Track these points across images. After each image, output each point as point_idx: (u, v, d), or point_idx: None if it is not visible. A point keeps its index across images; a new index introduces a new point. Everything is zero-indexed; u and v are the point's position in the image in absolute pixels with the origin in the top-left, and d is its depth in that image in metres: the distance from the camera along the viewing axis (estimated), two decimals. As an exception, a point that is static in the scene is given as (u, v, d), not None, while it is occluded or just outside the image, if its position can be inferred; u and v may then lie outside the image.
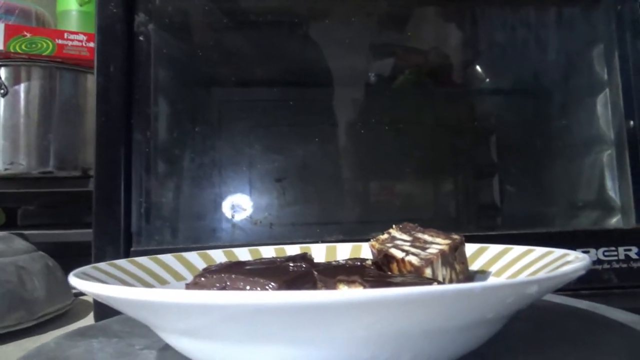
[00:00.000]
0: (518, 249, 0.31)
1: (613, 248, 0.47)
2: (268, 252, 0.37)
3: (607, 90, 0.52)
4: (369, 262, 0.32)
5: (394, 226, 0.35)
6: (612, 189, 0.52)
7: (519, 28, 0.60)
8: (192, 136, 0.49)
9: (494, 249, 0.33)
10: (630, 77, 0.50)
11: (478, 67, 0.67)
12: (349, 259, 0.33)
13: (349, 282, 0.24)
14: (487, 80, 0.66)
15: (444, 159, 0.65)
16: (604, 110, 0.53)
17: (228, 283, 0.23)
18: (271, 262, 0.28)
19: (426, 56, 0.68)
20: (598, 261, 0.47)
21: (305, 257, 0.31)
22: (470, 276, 0.31)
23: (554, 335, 0.27)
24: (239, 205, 0.51)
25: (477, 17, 0.63)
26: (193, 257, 0.34)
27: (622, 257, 0.47)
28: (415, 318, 0.18)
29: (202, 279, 0.24)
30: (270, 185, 0.54)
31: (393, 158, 0.64)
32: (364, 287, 0.23)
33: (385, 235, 0.34)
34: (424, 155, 0.65)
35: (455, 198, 0.66)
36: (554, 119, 0.59)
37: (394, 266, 0.32)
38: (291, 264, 0.26)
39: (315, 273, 0.25)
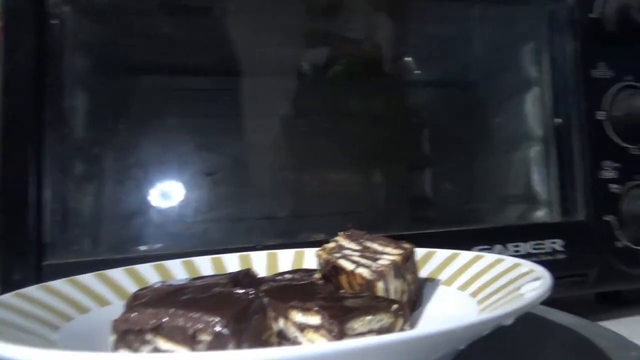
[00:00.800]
0: (466, 255, 0.31)
1: (541, 241, 0.48)
2: (204, 264, 0.35)
3: (537, 88, 0.54)
4: (317, 276, 0.30)
5: (340, 233, 0.34)
6: (539, 184, 0.54)
7: (452, 22, 0.60)
8: (115, 132, 0.44)
9: (441, 254, 0.32)
10: (559, 76, 0.51)
11: (411, 60, 0.66)
12: (295, 272, 0.31)
13: (304, 310, 0.22)
14: (420, 73, 0.65)
15: (378, 151, 0.64)
16: (533, 107, 0.54)
17: (165, 319, 0.21)
18: (212, 285, 0.25)
19: (359, 46, 0.67)
20: (528, 255, 0.48)
21: (248, 274, 0.28)
22: (420, 285, 0.30)
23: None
24: (168, 207, 0.47)
25: (410, 9, 0.62)
26: (118, 274, 0.31)
27: (549, 249, 0.48)
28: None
29: (133, 314, 0.21)
30: (202, 183, 0.51)
31: (329, 150, 0.63)
32: (322, 316, 0.21)
33: (333, 244, 0.33)
34: (359, 148, 0.64)
35: (390, 191, 0.66)
36: (486, 115, 0.60)
37: (343, 278, 0.30)
38: (237, 291, 0.23)
39: (265, 299, 0.23)
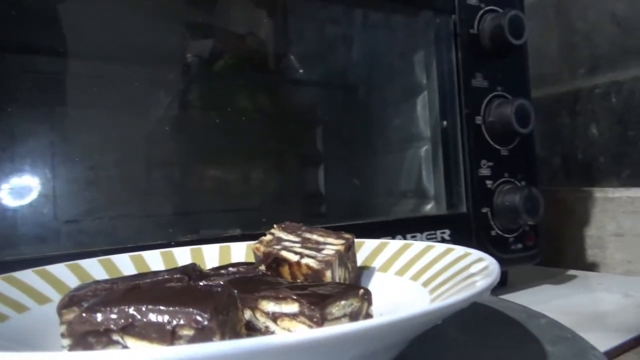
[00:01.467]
0: (418, 245, 0.31)
1: (433, 232, 0.53)
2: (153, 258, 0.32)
3: (426, 92, 0.59)
4: (263, 268, 0.30)
5: (275, 226, 0.34)
6: (428, 180, 0.59)
7: (345, 27, 0.63)
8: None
9: (394, 245, 0.32)
10: (445, 83, 0.57)
11: (295, 59, 0.68)
12: (237, 266, 0.30)
13: (278, 299, 0.22)
14: (305, 72, 0.67)
15: (270, 148, 0.64)
16: (423, 110, 0.59)
17: (138, 317, 0.19)
18: (164, 280, 0.24)
19: (244, 41, 0.67)
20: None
21: (196, 269, 0.27)
22: (358, 273, 0.32)
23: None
24: (46, 204, 0.43)
25: (291, 8, 0.64)
26: (61, 270, 0.27)
27: (439, 238, 0.54)
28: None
29: (95, 314, 0.19)
30: (81, 177, 0.47)
31: (220, 146, 0.62)
32: (300, 303, 0.21)
33: (269, 237, 0.33)
34: (251, 144, 0.63)
35: (283, 187, 0.67)
36: (379, 116, 0.64)
37: (285, 270, 0.30)
38: (202, 284, 0.22)
39: (234, 291, 0.22)
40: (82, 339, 0.19)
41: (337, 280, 0.29)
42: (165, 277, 0.24)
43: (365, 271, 0.32)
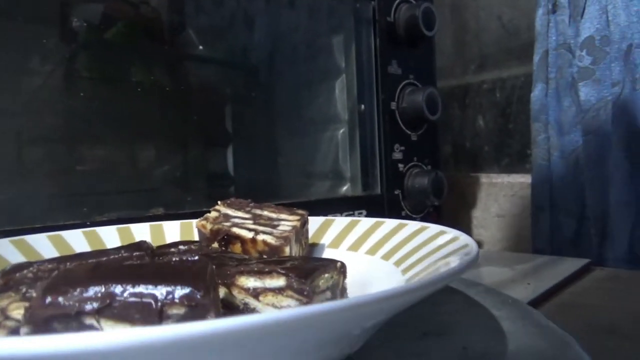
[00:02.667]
0: (390, 223, 0.30)
1: (351, 212, 0.54)
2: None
3: (344, 76, 0.60)
4: (215, 246, 0.28)
5: (219, 202, 0.32)
6: (344, 162, 0.60)
7: (251, 4, 0.62)
8: None
9: (365, 222, 0.32)
10: (363, 68, 0.58)
11: (193, 34, 0.65)
12: (181, 244, 0.28)
13: (260, 274, 0.21)
14: (217, 49, 0.65)
15: (173, 126, 0.61)
16: (341, 93, 0.60)
17: (117, 297, 0.17)
18: (123, 258, 0.21)
19: (138, 10, 0.63)
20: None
21: (148, 246, 0.25)
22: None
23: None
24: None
25: None
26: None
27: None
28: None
29: (61, 296, 0.16)
30: None
31: (115, 120, 0.57)
32: (287, 277, 0.20)
33: (214, 214, 0.31)
34: (151, 121, 0.59)
35: (187, 168, 0.64)
36: (295, 97, 0.63)
37: (236, 247, 0.29)
38: (174, 259, 0.20)
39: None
40: (44, 325, 0.16)
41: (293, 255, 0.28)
42: (123, 254, 0.22)
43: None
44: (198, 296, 0.17)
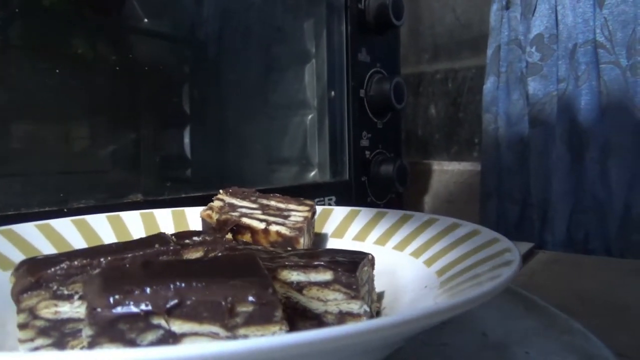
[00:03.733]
0: (419, 217, 0.29)
1: (322, 198, 0.55)
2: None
3: (315, 61, 0.60)
4: (229, 237, 0.28)
5: (221, 191, 0.31)
6: (312, 148, 0.60)
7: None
8: None
9: (393, 214, 0.31)
10: (334, 54, 0.59)
11: (138, 6, 0.62)
12: (197, 235, 0.27)
13: (305, 268, 0.21)
14: (164, 24, 0.62)
15: (121, 104, 0.57)
16: (311, 79, 0.60)
17: (187, 294, 0.16)
18: (157, 252, 0.20)
19: None
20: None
21: (169, 239, 0.24)
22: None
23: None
24: None
25: None
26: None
27: (327, 205, 0.56)
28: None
29: (128, 296, 0.16)
30: None
31: (54, 95, 0.53)
32: (334, 271, 0.20)
33: (219, 203, 0.30)
34: (95, 98, 0.56)
35: (135, 148, 0.60)
36: (261, 79, 0.62)
37: (246, 237, 0.29)
38: (219, 254, 0.20)
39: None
40: (110, 327, 0.16)
41: (303, 246, 0.28)
42: (158, 248, 0.21)
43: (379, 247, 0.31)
44: (268, 294, 0.17)
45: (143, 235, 0.30)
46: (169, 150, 0.64)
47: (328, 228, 0.33)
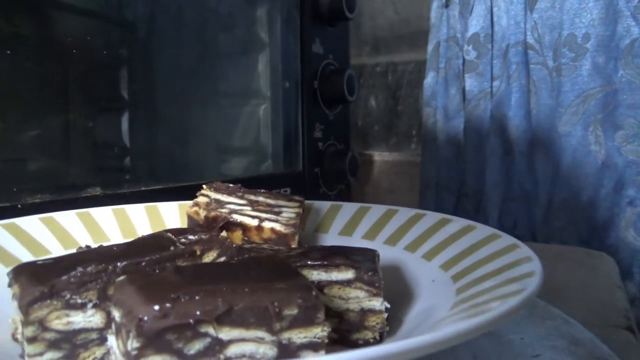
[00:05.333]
0: (432, 216, 0.29)
1: (278, 190, 0.55)
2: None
3: (268, 50, 0.59)
4: (224, 234, 0.27)
5: (205, 186, 0.30)
6: (266, 138, 0.60)
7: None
8: None
9: (404, 212, 0.30)
10: (288, 44, 0.58)
11: None
12: (189, 233, 0.26)
13: (326, 267, 0.21)
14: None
15: (47, 86, 0.53)
16: (265, 68, 0.59)
17: (235, 301, 0.16)
18: (178, 254, 0.19)
19: None
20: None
21: (172, 238, 0.23)
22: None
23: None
24: None
25: None
26: None
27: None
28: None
29: (178, 304, 0.15)
30: None
31: None
32: (357, 269, 0.21)
33: (204, 199, 0.29)
34: (14, 77, 0.51)
35: (64, 135, 0.56)
36: (211, 67, 0.60)
37: (236, 235, 0.28)
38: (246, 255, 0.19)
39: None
40: (158, 338, 0.15)
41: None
42: (175, 249, 0.20)
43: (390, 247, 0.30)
44: (312, 296, 0.17)
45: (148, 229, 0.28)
46: (103, 137, 0.60)
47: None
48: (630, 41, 0.66)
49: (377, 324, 0.21)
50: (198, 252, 0.20)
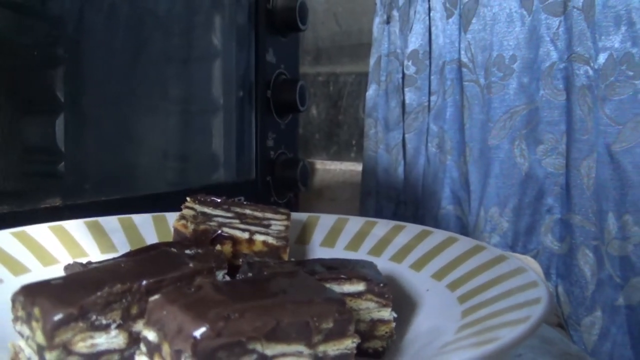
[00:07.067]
0: (439, 235, 0.29)
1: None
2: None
3: (222, 58, 0.58)
4: (219, 248, 0.27)
5: (189, 199, 0.30)
6: (218, 147, 0.59)
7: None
8: None
9: (411, 229, 0.31)
10: (243, 53, 0.58)
11: None
12: (183, 247, 0.26)
13: (338, 280, 0.22)
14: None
15: None
16: (219, 76, 0.58)
17: (282, 318, 0.16)
18: (197, 271, 0.19)
19: None
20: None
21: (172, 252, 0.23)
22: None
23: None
24: None
25: None
26: None
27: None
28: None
29: (228, 322, 0.15)
30: None
31: None
32: (368, 282, 0.22)
33: (191, 212, 0.29)
34: None
35: None
36: (160, 71, 0.58)
37: (226, 248, 0.28)
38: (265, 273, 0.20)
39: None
40: (211, 356, 0.15)
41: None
42: (192, 266, 0.19)
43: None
44: (346, 309, 0.18)
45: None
46: (33, 141, 0.57)
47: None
48: (549, 64, 0.73)
49: (386, 332, 0.22)
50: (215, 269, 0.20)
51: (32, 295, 0.17)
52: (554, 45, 0.73)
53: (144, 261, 0.20)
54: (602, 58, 0.68)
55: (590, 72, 0.68)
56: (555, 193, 0.75)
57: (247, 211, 0.30)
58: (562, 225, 0.73)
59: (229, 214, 0.29)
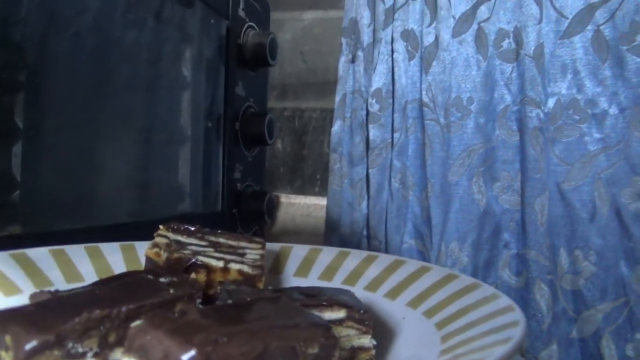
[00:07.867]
0: (412, 264, 0.29)
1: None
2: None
3: (191, 90, 0.58)
4: (194, 276, 0.26)
5: (161, 227, 0.29)
6: (184, 178, 0.58)
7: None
8: None
9: (384, 259, 0.31)
10: (212, 85, 0.58)
11: None
12: (164, 275, 0.25)
13: (319, 307, 0.21)
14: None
15: None
16: (187, 106, 0.58)
17: (270, 343, 0.16)
18: (178, 297, 0.19)
19: None
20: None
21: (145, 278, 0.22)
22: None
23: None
24: None
25: None
26: None
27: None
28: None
29: (218, 348, 0.15)
30: None
31: None
32: (349, 309, 0.22)
33: (163, 240, 0.28)
34: None
35: None
36: (125, 98, 0.58)
37: (200, 277, 0.27)
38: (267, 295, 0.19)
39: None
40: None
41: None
42: (173, 292, 0.19)
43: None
44: (331, 334, 0.18)
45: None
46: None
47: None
48: (504, 106, 0.77)
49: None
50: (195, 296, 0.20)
51: (3, 322, 0.16)
52: (507, 89, 0.77)
53: (120, 288, 0.20)
54: (551, 102, 0.72)
55: (541, 115, 0.72)
56: (511, 229, 0.78)
57: (222, 240, 0.30)
58: (519, 259, 0.75)
59: (203, 243, 0.29)
